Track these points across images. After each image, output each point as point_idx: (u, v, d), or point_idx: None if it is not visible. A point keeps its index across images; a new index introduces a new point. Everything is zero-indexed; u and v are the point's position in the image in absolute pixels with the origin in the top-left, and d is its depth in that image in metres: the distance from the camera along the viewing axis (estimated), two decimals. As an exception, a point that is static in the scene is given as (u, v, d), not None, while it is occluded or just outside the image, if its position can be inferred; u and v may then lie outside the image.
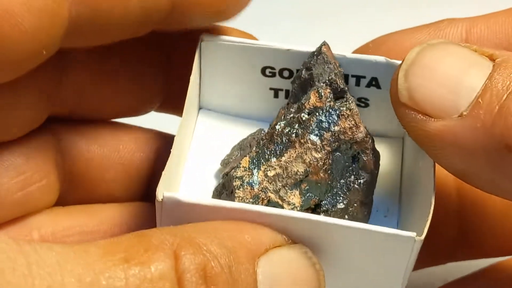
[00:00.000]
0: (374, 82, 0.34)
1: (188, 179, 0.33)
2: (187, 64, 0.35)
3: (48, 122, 0.35)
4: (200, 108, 0.36)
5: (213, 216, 0.28)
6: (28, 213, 0.35)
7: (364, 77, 0.33)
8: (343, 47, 0.34)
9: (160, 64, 0.36)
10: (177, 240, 0.25)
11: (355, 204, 0.31)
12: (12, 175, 0.34)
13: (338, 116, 0.30)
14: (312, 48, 0.33)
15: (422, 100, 0.28)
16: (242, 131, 0.35)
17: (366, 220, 0.32)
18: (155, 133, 0.38)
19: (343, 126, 0.30)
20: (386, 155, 0.34)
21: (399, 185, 0.34)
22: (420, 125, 0.28)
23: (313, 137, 0.30)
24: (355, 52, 0.36)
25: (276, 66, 0.34)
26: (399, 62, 0.32)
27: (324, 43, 0.32)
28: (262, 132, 0.34)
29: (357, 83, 0.34)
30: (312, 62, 0.32)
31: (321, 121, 0.30)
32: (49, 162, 0.35)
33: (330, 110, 0.30)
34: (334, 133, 0.30)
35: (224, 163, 0.33)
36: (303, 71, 0.32)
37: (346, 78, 0.33)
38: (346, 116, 0.30)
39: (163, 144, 0.37)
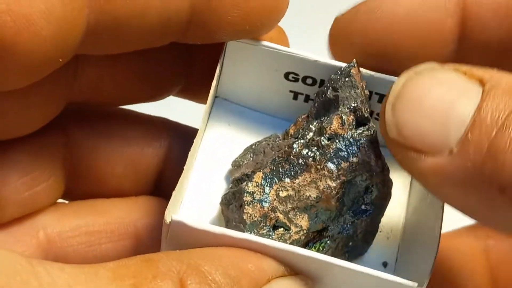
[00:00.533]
0: None
1: (198, 179, 0.33)
2: (210, 52, 0.35)
3: (58, 118, 0.34)
4: (216, 96, 0.35)
5: (218, 242, 0.28)
6: (33, 211, 0.34)
7: (383, 95, 0.33)
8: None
9: (181, 51, 0.35)
10: (184, 267, 0.26)
11: (361, 233, 0.31)
12: (19, 175, 0.33)
13: (358, 148, 0.30)
14: (340, 62, 0.32)
15: (411, 136, 0.27)
16: (256, 125, 0.35)
17: (368, 245, 0.32)
18: (166, 124, 0.38)
19: (362, 159, 0.30)
20: (396, 174, 0.34)
21: (406, 208, 0.34)
22: (412, 163, 0.27)
23: (330, 165, 0.30)
24: (343, 18, 0.34)
25: (300, 73, 0.33)
26: None
27: (354, 65, 0.31)
28: (278, 138, 0.33)
29: (380, 100, 0.33)
30: (339, 83, 0.31)
31: (340, 149, 0.30)
32: (57, 158, 0.35)
33: (351, 140, 0.30)
34: (352, 164, 0.30)
35: (236, 164, 0.33)
36: (329, 90, 0.31)
37: (370, 94, 0.33)
38: (367, 149, 0.30)
39: (174, 136, 0.37)
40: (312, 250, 0.31)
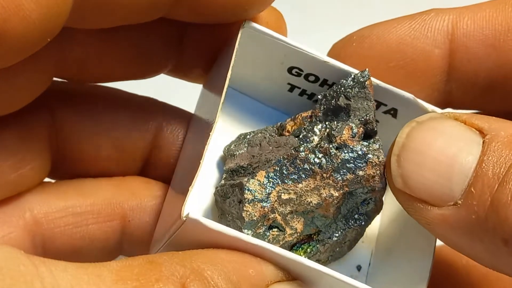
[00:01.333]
0: (392, 112, 0.34)
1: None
2: (201, 30, 0.34)
3: (44, 97, 0.33)
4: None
5: (223, 240, 0.28)
6: (20, 192, 0.33)
7: (385, 105, 0.33)
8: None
9: (172, 29, 0.35)
10: (187, 271, 0.26)
11: (348, 241, 0.32)
12: (5, 157, 0.32)
13: (366, 162, 0.30)
14: (349, 67, 0.32)
15: (416, 187, 0.28)
16: (247, 115, 0.34)
17: (349, 250, 0.33)
18: (155, 105, 0.37)
19: (367, 173, 0.30)
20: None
21: (381, 216, 0.35)
22: (418, 213, 0.28)
23: (336, 175, 0.30)
24: (338, 45, 0.35)
25: (305, 70, 0.33)
26: (425, 104, 0.32)
27: (368, 76, 0.31)
28: (273, 133, 0.33)
29: (377, 107, 0.33)
30: (352, 92, 0.31)
31: (348, 161, 0.30)
32: (43, 140, 0.34)
33: (360, 153, 0.30)
34: (357, 177, 0.30)
35: (229, 153, 0.33)
36: (340, 98, 0.31)
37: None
38: (374, 165, 0.30)
39: (163, 117, 0.36)
40: (299, 251, 0.32)
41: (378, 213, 0.32)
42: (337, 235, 0.32)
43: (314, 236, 0.32)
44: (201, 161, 0.29)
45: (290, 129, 0.33)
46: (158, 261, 0.26)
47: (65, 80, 0.35)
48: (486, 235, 0.27)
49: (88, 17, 0.29)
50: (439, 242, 0.32)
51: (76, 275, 0.24)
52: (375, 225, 0.35)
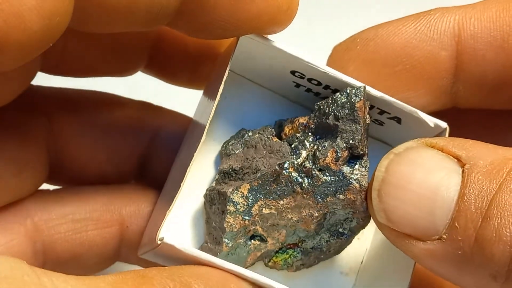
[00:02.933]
0: (396, 119, 0.33)
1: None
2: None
3: (42, 103, 0.34)
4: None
5: (201, 259, 0.29)
6: (19, 198, 0.34)
7: (389, 113, 0.33)
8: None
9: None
10: (176, 284, 0.27)
11: (333, 249, 0.33)
12: (4, 162, 0.33)
13: (347, 186, 0.30)
14: (350, 79, 0.31)
15: (400, 222, 0.28)
16: (260, 101, 0.35)
17: (337, 254, 0.34)
18: (151, 109, 0.37)
19: (348, 197, 0.31)
20: None
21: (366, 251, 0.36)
22: (404, 246, 0.28)
23: (317, 197, 0.31)
24: (340, 47, 0.34)
25: (307, 75, 0.32)
26: (427, 117, 0.32)
27: (361, 96, 0.30)
28: (271, 134, 0.33)
29: (380, 114, 0.33)
30: (342, 113, 0.30)
31: (329, 184, 0.30)
32: (41, 145, 0.35)
33: (341, 177, 0.30)
34: (337, 199, 0.31)
35: (226, 151, 0.33)
36: (330, 116, 0.31)
37: (371, 108, 0.32)
38: (354, 190, 0.30)
39: (157, 123, 0.37)
40: (284, 254, 0.33)
41: (364, 228, 0.32)
42: (321, 245, 0.32)
43: (299, 243, 0.32)
44: (181, 183, 0.30)
45: (287, 132, 0.33)
46: (148, 275, 0.27)
47: (62, 87, 0.36)
48: (474, 270, 0.27)
49: (86, 26, 0.29)
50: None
51: (75, 285, 0.25)
52: (359, 256, 0.35)
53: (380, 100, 0.32)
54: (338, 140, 0.31)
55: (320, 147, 0.31)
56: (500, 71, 0.33)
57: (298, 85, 0.34)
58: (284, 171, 0.31)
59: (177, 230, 0.33)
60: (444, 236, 0.27)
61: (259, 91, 0.35)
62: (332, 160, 0.30)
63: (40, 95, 0.36)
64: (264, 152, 0.32)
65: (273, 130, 0.33)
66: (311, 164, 0.31)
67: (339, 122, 0.31)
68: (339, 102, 0.31)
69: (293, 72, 0.32)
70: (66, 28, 0.30)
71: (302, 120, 0.32)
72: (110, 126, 0.36)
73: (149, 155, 0.37)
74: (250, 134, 0.33)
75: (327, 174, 0.30)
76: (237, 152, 0.33)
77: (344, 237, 0.32)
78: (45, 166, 0.36)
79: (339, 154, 0.30)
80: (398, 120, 0.33)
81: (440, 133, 0.32)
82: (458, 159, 0.27)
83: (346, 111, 0.31)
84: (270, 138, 0.33)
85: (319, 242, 0.32)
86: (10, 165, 0.33)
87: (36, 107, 0.34)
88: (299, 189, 0.31)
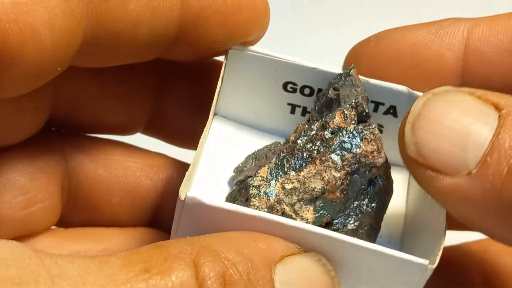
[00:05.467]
0: (391, 110, 0.34)
1: (200, 185, 0.33)
2: (180, 88, 0.37)
3: (58, 143, 0.35)
4: (215, 114, 0.36)
5: (230, 221, 0.28)
6: (29, 233, 0.34)
7: (383, 104, 0.34)
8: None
9: (153, 84, 0.37)
10: (196, 248, 0.26)
11: (365, 227, 0.32)
12: (16, 194, 0.34)
13: (361, 139, 0.31)
14: (338, 69, 0.33)
15: (430, 156, 0.28)
16: (255, 141, 0.36)
17: (372, 240, 0.33)
18: (164, 159, 0.38)
19: (365, 149, 0.31)
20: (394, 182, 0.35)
21: (404, 214, 0.35)
22: (430, 182, 0.28)
23: (334, 157, 0.31)
24: (356, 46, 0.36)
25: (299, 83, 0.34)
26: (420, 93, 0.33)
27: (353, 66, 0.33)
28: (279, 145, 0.34)
29: (375, 109, 0.34)
30: (340, 83, 0.32)
31: (344, 141, 0.31)
32: (54, 183, 0.35)
33: (354, 132, 0.31)
34: (355, 155, 0.31)
35: (238, 170, 0.34)
36: (329, 90, 0.32)
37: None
38: (370, 140, 0.31)
39: (171, 170, 0.38)
40: None
41: (390, 196, 0.32)
42: (351, 221, 0.31)
43: (329, 227, 0.31)
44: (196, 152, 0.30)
45: (293, 139, 0.34)
46: (165, 244, 0.26)
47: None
48: (501, 205, 0.26)
49: (94, 53, 0.31)
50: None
51: (83, 264, 0.24)
52: (400, 224, 0.34)
53: (371, 87, 0.34)
54: (343, 104, 0.32)
55: (327, 117, 0.32)
56: (506, 75, 0.34)
57: (293, 109, 0.35)
58: (298, 145, 0.31)
59: None
60: (474, 171, 0.27)
61: (257, 134, 0.36)
62: (341, 120, 0.31)
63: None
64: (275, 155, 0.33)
65: (280, 142, 0.34)
66: (322, 131, 0.31)
67: (339, 90, 0.32)
68: (334, 81, 0.33)
69: (285, 87, 0.34)
70: (74, 70, 0.32)
71: (304, 122, 0.34)
72: (125, 169, 0.37)
73: (162, 203, 0.38)
74: (259, 150, 0.34)
75: (340, 133, 0.31)
76: (248, 166, 0.34)
77: (371, 208, 0.31)
78: (57, 204, 0.35)
79: (347, 113, 0.31)
80: (394, 112, 0.34)
81: None
82: (496, 106, 0.28)
83: (343, 79, 0.32)
84: (278, 146, 0.34)
85: (348, 219, 0.31)
86: (20, 196, 0.33)
87: (53, 145, 0.35)
88: (316, 155, 0.31)
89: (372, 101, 0.34)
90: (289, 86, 0.34)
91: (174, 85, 0.38)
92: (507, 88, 0.34)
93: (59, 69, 0.29)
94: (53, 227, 0.37)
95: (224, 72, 0.34)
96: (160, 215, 0.38)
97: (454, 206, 0.28)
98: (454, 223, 0.36)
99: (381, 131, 0.35)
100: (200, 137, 0.32)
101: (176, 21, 0.31)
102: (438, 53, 0.35)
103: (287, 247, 0.28)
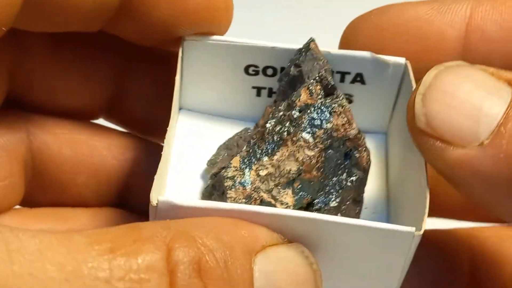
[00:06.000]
0: (358, 78, 0.33)
1: (174, 182, 0.32)
2: (143, 75, 0.36)
3: (22, 121, 0.35)
4: (180, 108, 0.35)
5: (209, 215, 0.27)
6: None
7: (349, 73, 0.33)
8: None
9: (115, 68, 0.36)
10: (171, 233, 0.25)
11: (348, 202, 0.31)
12: None
13: (330, 113, 0.30)
14: (297, 45, 0.32)
15: (441, 127, 0.27)
16: (225, 131, 0.35)
17: (357, 217, 0.32)
18: (132, 139, 0.38)
19: (335, 123, 0.30)
20: (370, 151, 0.34)
21: (386, 182, 0.34)
22: (439, 153, 0.27)
23: (305, 135, 0.30)
24: (356, 18, 0.35)
25: (260, 64, 0.33)
26: (384, 57, 0.32)
27: (312, 40, 0.32)
28: (249, 131, 0.33)
29: (342, 80, 0.33)
30: (301, 58, 0.31)
31: (313, 118, 0.30)
32: (16, 161, 0.34)
33: (322, 107, 0.30)
34: (327, 130, 0.30)
35: (211, 163, 0.33)
36: (291, 68, 0.32)
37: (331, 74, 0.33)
38: (339, 113, 0.30)
39: (138, 151, 0.37)
40: None
41: (368, 165, 0.31)
42: (332, 198, 0.31)
43: (310, 208, 0.31)
44: (162, 153, 0.29)
45: (262, 122, 0.33)
46: (139, 226, 0.25)
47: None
48: None
49: (38, 11, 0.30)
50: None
51: (44, 240, 0.23)
52: (383, 193, 0.34)
53: (335, 57, 0.33)
54: (307, 80, 0.31)
55: (292, 96, 0.31)
56: (508, 54, 0.33)
57: (259, 91, 0.34)
58: (267, 129, 0.30)
59: None
60: (486, 142, 0.26)
61: (226, 122, 0.35)
62: (307, 97, 0.30)
63: None
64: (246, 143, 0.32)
65: (250, 128, 0.33)
66: (290, 111, 0.30)
67: (301, 67, 0.31)
68: (294, 58, 0.32)
69: (247, 70, 0.33)
70: (31, 44, 0.32)
71: (271, 104, 0.33)
72: (91, 148, 0.36)
73: (130, 183, 0.37)
74: (229, 139, 0.33)
75: (308, 111, 0.30)
76: (221, 157, 0.33)
77: (351, 183, 0.31)
78: (20, 184, 0.35)
79: (312, 89, 0.31)
80: (361, 79, 0.33)
81: (403, 71, 0.33)
82: (510, 82, 0.28)
83: (303, 54, 0.31)
84: (248, 132, 0.33)
85: (329, 197, 0.31)
86: None
87: (16, 123, 0.34)
88: (286, 136, 0.30)
89: (337, 72, 0.33)
90: (250, 69, 0.33)
91: (136, 71, 0.37)
92: (508, 68, 0.33)
93: (4, 29, 0.29)
94: (17, 206, 0.36)
95: (181, 64, 0.33)
96: (127, 196, 0.37)
97: (463, 178, 0.27)
98: (445, 210, 0.36)
99: (350, 101, 0.34)
100: (162, 129, 0.31)
101: None
102: (439, 29, 0.34)
103: (270, 236, 0.27)
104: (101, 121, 0.38)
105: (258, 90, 0.34)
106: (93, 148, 0.36)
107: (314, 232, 0.27)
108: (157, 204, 0.27)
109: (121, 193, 0.37)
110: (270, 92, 0.34)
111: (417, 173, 0.29)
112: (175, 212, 0.27)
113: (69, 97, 0.36)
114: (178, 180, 0.33)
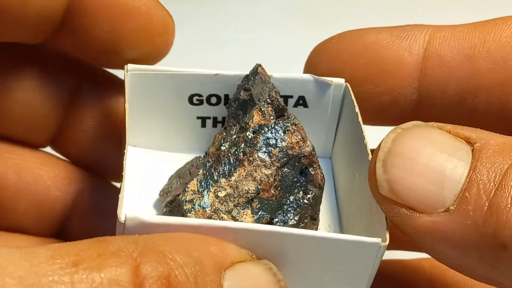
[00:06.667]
0: (301, 101, 0.34)
1: (127, 199, 0.32)
2: (88, 108, 0.36)
3: None
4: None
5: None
6: None
7: (291, 96, 0.34)
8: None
9: (62, 97, 0.36)
10: (139, 248, 0.24)
11: (306, 220, 0.31)
12: None
13: (284, 132, 0.30)
14: (240, 71, 0.33)
15: (405, 193, 0.27)
16: (172, 164, 0.34)
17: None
18: (80, 173, 0.37)
19: (290, 141, 0.30)
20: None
21: (336, 200, 0.35)
22: (405, 220, 0.27)
23: (261, 154, 0.30)
24: (320, 43, 0.36)
25: (204, 93, 0.34)
26: (327, 78, 0.33)
27: (259, 64, 0.32)
28: (200, 159, 0.33)
29: (285, 103, 0.34)
30: (250, 83, 0.32)
31: (268, 138, 0.30)
32: None
33: (276, 127, 0.31)
34: (282, 149, 0.30)
35: (164, 192, 0.33)
36: (241, 92, 0.32)
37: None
38: (293, 131, 0.31)
39: (83, 184, 0.37)
40: None
41: (323, 183, 0.32)
42: (291, 217, 0.31)
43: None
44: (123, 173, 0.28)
45: (213, 150, 0.33)
46: (106, 240, 0.24)
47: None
48: (483, 241, 0.25)
49: None
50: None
51: (6, 254, 0.22)
52: (334, 209, 0.34)
53: (278, 81, 0.33)
54: (258, 102, 0.31)
55: (245, 118, 0.31)
56: (464, 79, 0.34)
57: (204, 121, 0.34)
58: (222, 151, 0.30)
59: None
60: (452, 208, 0.26)
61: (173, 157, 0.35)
62: (260, 118, 0.31)
63: None
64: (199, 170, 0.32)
65: (200, 156, 0.33)
66: (244, 132, 0.31)
67: (250, 90, 0.32)
68: (241, 84, 0.32)
69: (191, 100, 0.34)
70: None
71: (220, 131, 0.33)
72: (35, 177, 0.36)
73: (71, 216, 0.37)
74: (181, 168, 0.33)
75: (262, 131, 0.31)
76: (174, 186, 0.32)
77: (307, 200, 0.31)
78: None
79: (264, 110, 0.31)
80: (304, 102, 0.34)
81: (343, 93, 0.34)
82: (467, 140, 0.27)
83: (252, 79, 0.32)
84: (200, 160, 0.33)
85: (288, 215, 0.31)
86: None
87: None
88: (243, 156, 0.30)
89: (281, 96, 0.34)
90: (194, 98, 0.34)
91: (81, 104, 0.37)
92: (463, 93, 0.34)
93: None
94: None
95: (128, 100, 0.33)
96: (67, 229, 0.37)
97: (432, 245, 0.27)
98: (405, 243, 0.36)
99: None
100: (106, 164, 0.32)
101: (63, 4, 0.31)
102: (397, 54, 0.35)
103: (239, 252, 0.27)
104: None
105: (203, 120, 0.34)
106: (38, 177, 0.36)
107: (281, 247, 0.28)
108: (124, 220, 0.26)
109: (61, 225, 0.37)
110: (215, 122, 0.34)
111: (367, 192, 0.30)
112: (143, 229, 0.26)
113: (11, 125, 0.36)
114: (132, 206, 0.32)
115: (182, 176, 0.33)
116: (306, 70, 0.36)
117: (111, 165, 0.37)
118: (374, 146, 0.28)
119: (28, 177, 0.36)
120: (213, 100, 0.34)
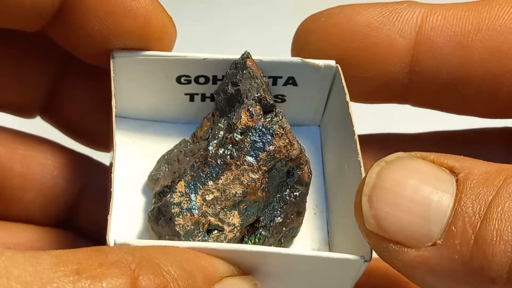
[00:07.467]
0: (291, 81, 0.34)
1: (118, 196, 0.32)
2: (79, 79, 0.36)
3: None
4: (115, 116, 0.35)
5: None
6: None
7: (281, 77, 0.33)
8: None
9: (49, 70, 0.36)
10: (136, 259, 0.25)
11: (292, 216, 0.32)
12: None
13: (272, 135, 0.30)
14: (228, 55, 0.32)
15: (391, 229, 0.27)
16: (161, 138, 0.35)
17: (300, 225, 0.33)
18: (86, 161, 0.38)
19: (277, 145, 0.30)
20: (304, 143, 0.34)
21: (323, 176, 0.35)
22: (393, 255, 0.27)
23: (249, 158, 0.30)
24: (308, 19, 0.35)
25: (192, 74, 0.33)
26: (315, 61, 0.33)
27: (248, 56, 0.32)
28: (188, 143, 0.33)
29: (274, 83, 0.34)
30: (238, 77, 0.31)
31: (255, 141, 0.30)
32: None
33: (264, 130, 0.30)
34: (269, 153, 0.30)
35: (153, 178, 0.33)
36: (229, 86, 0.32)
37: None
38: (280, 135, 0.31)
39: (90, 174, 0.37)
40: (249, 243, 0.31)
41: (310, 179, 0.32)
42: (277, 214, 0.32)
43: (256, 225, 0.32)
44: (112, 189, 0.29)
45: (201, 135, 0.33)
46: (105, 250, 0.25)
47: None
48: (472, 275, 0.25)
49: None
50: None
51: (11, 257, 0.23)
52: (321, 192, 0.35)
53: (267, 64, 0.33)
54: (246, 100, 0.31)
55: (232, 116, 0.31)
56: (455, 68, 0.33)
57: (192, 97, 0.34)
58: (210, 152, 0.30)
59: None
60: (439, 242, 0.26)
61: (162, 127, 0.35)
62: (248, 119, 0.31)
63: None
64: (188, 159, 0.32)
65: (188, 139, 0.33)
66: (231, 133, 0.31)
67: (239, 85, 0.31)
68: (231, 73, 0.32)
69: (179, 80, 0.33)
70: None
71: (208, 115, 0.33)
72: (42, 167, 0.36)
73: (78, 205, 0.37)
74: (169, 152, 0.33)
75: (249, 133, 0.31)
76: (163, 173, 0.33)
77: (294, 198, 0.32)
78: None
79: (252, 110, 0.31)
80: (293, 82, 0.34)
81: (333, 74, 0.33)
82: (451, 170, 0.27)
83: (240, 73, 0.31)
84: (188, 146, 0.33)
85: (274, 213, 0.32)
86: None
87: None
88: (230, 160, 0.30)
89: (270, 77, 0.33)
90: (182, 79, 0.33)
91: (72, 75, 0.37)
92: (454, 81, 0.33)
93: None
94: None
95: (114, 82, 0.32)
96: (74, 218, 0.37)
97: (421, 279, 0.27)
98: None
99: (284, 100, 0.35)
100: (95, 134, 0.32)
101: None
102: (388, 38, 0.33)
103: (226, 268, 0.28)
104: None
105: (191, 96, 0.34)
106: (44, 166, 0.36)
107: (265, 264, 0.29)
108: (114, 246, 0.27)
109: (68, 214, 0.37)
110: (204, 97, 0.34)
111: (355, 163, 0.30)
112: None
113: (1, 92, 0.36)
114: (122, 194, 0.33)
115: (170, 162, 0.33)
116: (293, 48, 0.35)
117: (101, 135, 0.37)
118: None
119: (34, 167, 0.36)
120: (201, 80, 0.33)
